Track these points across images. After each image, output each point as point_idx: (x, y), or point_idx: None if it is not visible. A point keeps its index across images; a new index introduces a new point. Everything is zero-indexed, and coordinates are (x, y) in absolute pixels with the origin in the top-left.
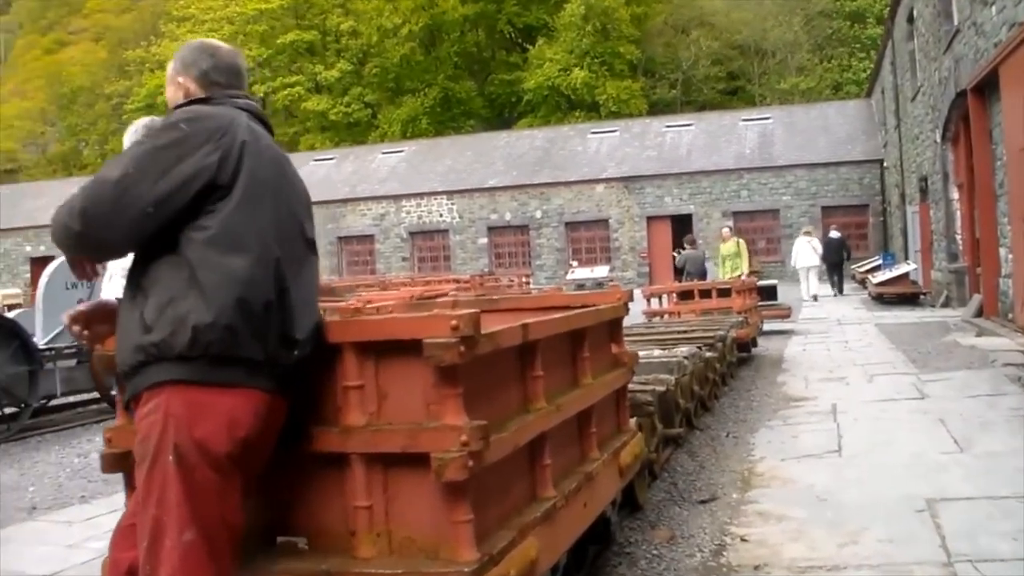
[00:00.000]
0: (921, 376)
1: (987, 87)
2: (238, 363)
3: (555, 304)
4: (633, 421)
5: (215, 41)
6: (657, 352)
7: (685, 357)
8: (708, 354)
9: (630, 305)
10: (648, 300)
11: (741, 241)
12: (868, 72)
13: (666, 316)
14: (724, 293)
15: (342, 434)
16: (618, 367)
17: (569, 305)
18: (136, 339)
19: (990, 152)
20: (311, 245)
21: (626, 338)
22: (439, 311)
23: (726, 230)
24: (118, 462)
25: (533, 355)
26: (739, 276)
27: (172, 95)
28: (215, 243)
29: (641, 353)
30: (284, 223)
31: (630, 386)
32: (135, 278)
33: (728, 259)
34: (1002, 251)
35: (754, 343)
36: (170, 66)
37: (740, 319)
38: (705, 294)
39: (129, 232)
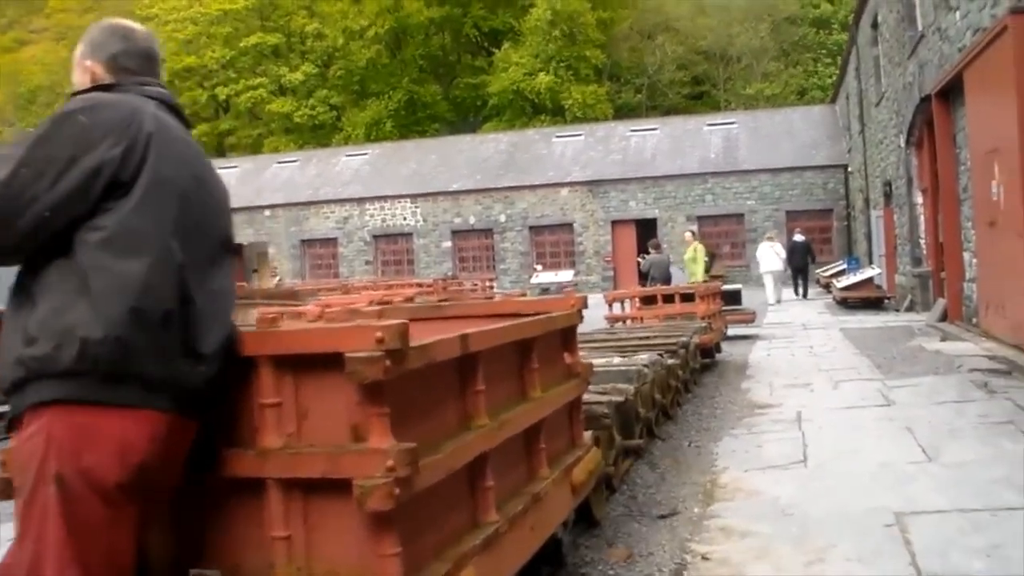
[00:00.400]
0: (887, 382)
1: (951, 92)
2: (132, 380)
3: (506, 311)
4: (589, 435)
5: (129, 22)
6: (617, 359)
7: (645, 365)
8: (670, 361)
9: (590, 311)
10: (610, 305)
11: (699, 246)
12: (833, 78)
13: (629, 322)
14: (688, 298)
15: (258, 457)
16: (571, 378)
17: (520, 312)
18: (18, 352)
19: (954, 157)
20: (227, 249)
21: (586, 345)
22: (363, 322)
23: (688, 234)
24: (11, 489)
25: (474, 368)
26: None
27: (78, 80)
28: (110, 246)
29: (600, 361)
30: (191, 224)
31: (586, 397)
32: (23, 283)
33: (690, 263)
34: (966, 255)
35: (718, 348)
36: (78, 48)
37: (704, 324)
38: (668, 299)
39: (22, 240)
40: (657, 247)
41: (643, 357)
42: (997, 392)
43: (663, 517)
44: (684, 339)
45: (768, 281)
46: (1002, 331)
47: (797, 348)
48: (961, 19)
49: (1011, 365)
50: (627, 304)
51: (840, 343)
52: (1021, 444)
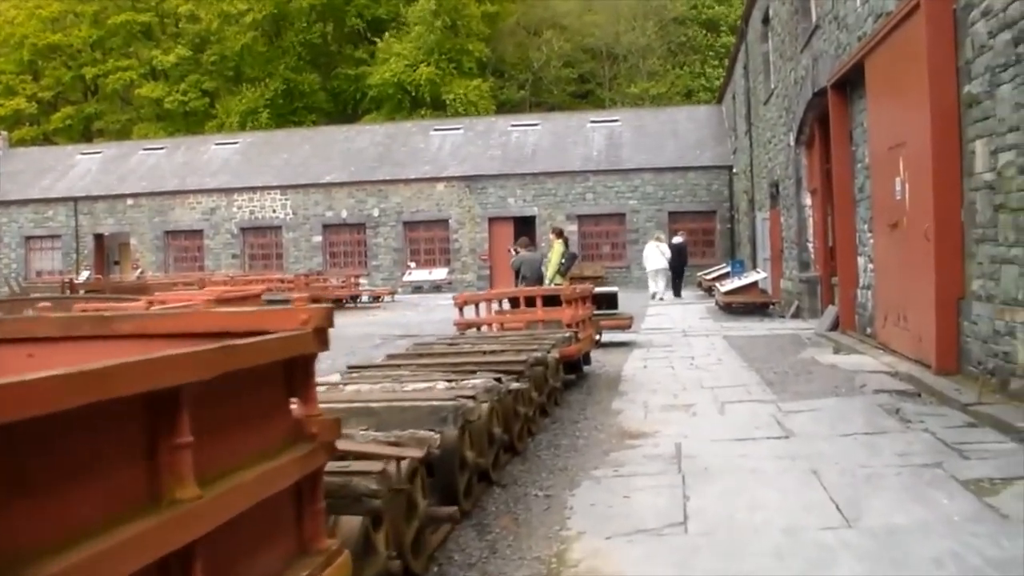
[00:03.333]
0: (781, 405)
1: (849, 84)
2: None
3: (207, 330)
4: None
5: None
6: (441, 386)
7: (472, 396)
8: (515, 385)
9: (439, 312)
10: (460, 309)
11: (557, 242)
12: (721, 80)
13: (484, 328)
14: (552, 302)
15: None
16: (299, 443)
17: (228, 331)
18: None
19: (849, 154)
20: None
21: (410, 363)
22: None
23: (552, 233)
24: None
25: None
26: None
27: None
28: None
29: (417, 387)
30: None
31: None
32: None
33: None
34: (860, 260)
35: (587, 360)
36: None
37: (568, 334)
38: (531, 303)
39: None
40: (526, 245)
41: (477, 382)
42: (912, 421)
43: None
44: (538, 355)
45: (651, 279)
46: (902, 344)
47: (678, 359)
48: (862, 4)
49: (919, 385)
50: (483, 308)
51: (725, 353)
52: (959, 500)
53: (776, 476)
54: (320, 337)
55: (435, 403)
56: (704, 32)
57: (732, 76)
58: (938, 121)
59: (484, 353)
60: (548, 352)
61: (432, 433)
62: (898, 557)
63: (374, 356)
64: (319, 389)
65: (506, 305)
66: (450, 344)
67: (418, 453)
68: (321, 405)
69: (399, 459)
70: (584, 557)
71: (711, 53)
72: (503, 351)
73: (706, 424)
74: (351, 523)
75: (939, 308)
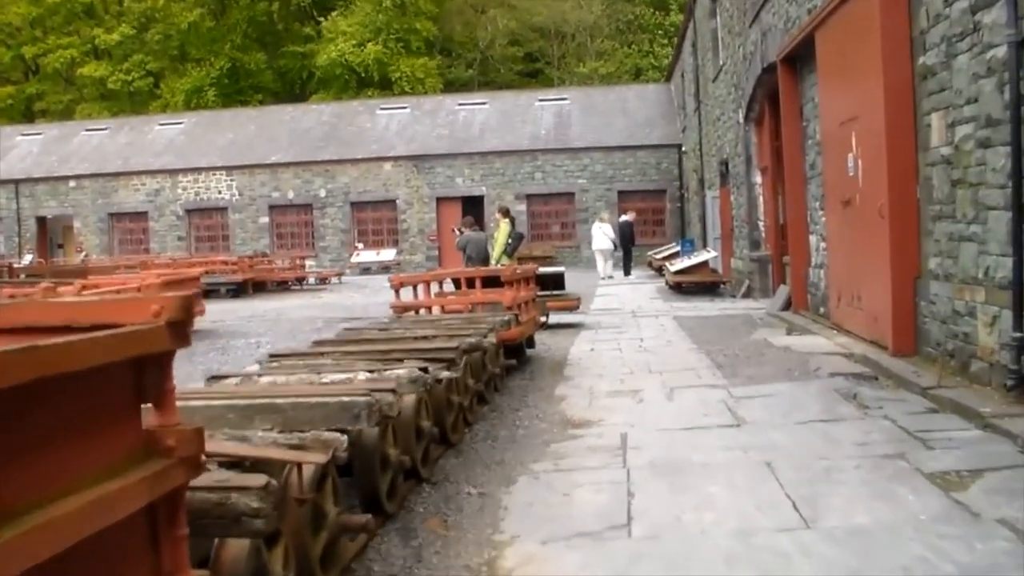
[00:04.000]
0: (732, 390)
1: (799, 58)
2: None
3: (43, 322)
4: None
5: None
6: (362, 377)
7: (391, 389)
8: (445, 374)
9: (376, 295)
10: (397, 292)
11: (504, 222)
12: (669, 60)
13: (423, 311)
14: (493, 283)
15: None
16: (152, 459)
17: (71, 324)
18: None
19: (800, 131)
20: None
21: (335, 349)
22: None
23: (498, 212)
24: None
25: None
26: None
27: None
28: None
29: (336, 378)
30: None
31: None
32: None
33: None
34: (812, 239)
35: (530, 343)
36: None
37: (507, 317)
38: (472, 284)
39: None
40: (471, 225)
41: (402, 372)
42: (870, 407)
43: None
44: (473, 340)
45: (599, 259)
46: (856, 324)
47: (626, 341)
48: None
49: (875, 368)
50: (420, 291)
51: (674, 335)
52: (926, 496)
53: (727, 470)
54: (176, 331)
55: (346, 399)
56: (652, 11)
57: (681, 54)
58: (892, 94)
59: (415, 339)
60: (484, 337)
61: (338, 434)
62: (862, 565)
63: (312, 339)
64: (230, 382)
65: (449, 287)
66: (382, 329)
67: (321, 458)
68: (217, 403)
69: (300, 465)
70: (517, 565)
71: (660, 32)
72: (436, 336)
73: (653, 411)
74: (239, 546)
75: (895, 288)
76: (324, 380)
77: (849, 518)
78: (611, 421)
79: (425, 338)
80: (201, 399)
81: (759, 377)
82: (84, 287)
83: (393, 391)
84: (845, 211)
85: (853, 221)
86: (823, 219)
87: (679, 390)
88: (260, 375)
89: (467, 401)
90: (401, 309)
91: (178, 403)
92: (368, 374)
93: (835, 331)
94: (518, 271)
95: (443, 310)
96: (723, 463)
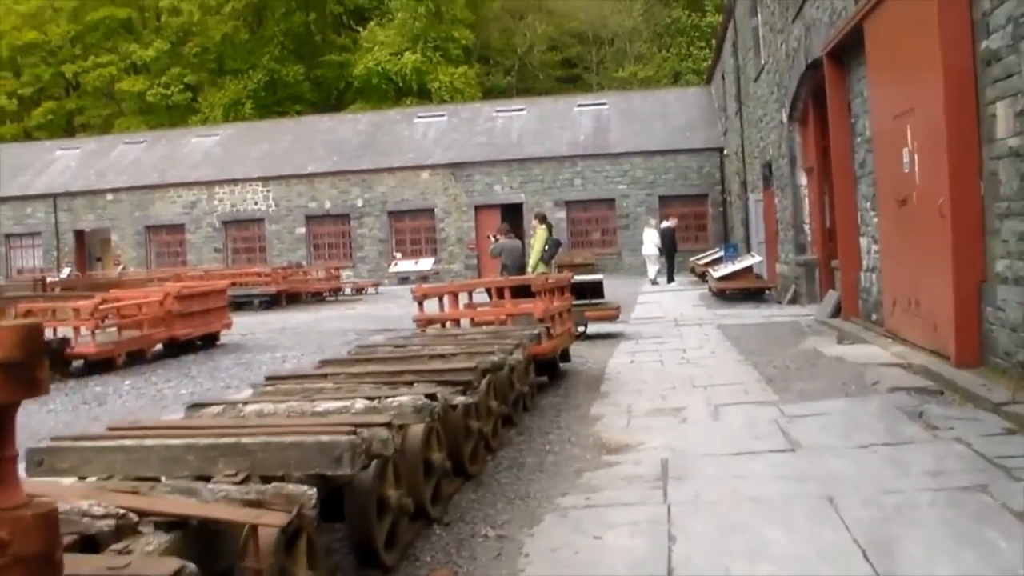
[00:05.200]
0: (784, 407)
1: (846, 52)
2: None
3: None
4: None
5: None
6: (359, 405)
7: (387, 423)
8: (460, 399)
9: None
10: (420, 304)
11: (540, 228)
12: (708, 61)
13: (448, 324)
14: (523, 292)
15: None
16: None
17: None
18: None
19: (848, 128)
20: None
21: (344, 370)
22: None
23: (535, 219)
24: None
25: None
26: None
27: None
28: None
29: (330, 407)
30: None
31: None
32: None
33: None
34: (863, 241)
35: (565, 357)
36: None
37: (539, 329)
38: (503, 294)
39: None
40: (507, 232)
41: (405, 399)
42: (939, 428)
43: None
44: (496, 358)
45: (649, 263)
46: (914, 332)
47: (668, 351)
48: None
49: (939, 381)
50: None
51: (719, 344)
52: (1019, 542)
53: (783, 506)
54: (14, 375)
55: (325, 439)
56: (689, 13)
57: (721, 55)
58: (952, 82)
59: (431, 358)
60: (510, 353)
61: (305, 488)
62: None
63: (341, 353)
64: (212, 411)
65: (483, 296)
66: (397, 346)
67: (280, 519)
68: (177, 442)
69: (255, 528)
70: None
71: (697, 34)
72: (455, 355)
73: (698, 433)
74: None
75: (958, 293)
76: (317, 409)
77: (931, 571)
78: (651, 445)
79: (443, 356)
80: (161, 436)
81: (812, 392)
82: (103, 299)
83: (389, 424)
84: (900, 211)
85: (909, 221)
86: (874, 220)
87: (725, 407)
88: (247, 403)
89: (489, 426)
90: (425, 322)
91: (131, 442)
92: (367, 402)
93: (890, 339)
94: (551, 280)
95: (473, 323)
96: (778, 498)
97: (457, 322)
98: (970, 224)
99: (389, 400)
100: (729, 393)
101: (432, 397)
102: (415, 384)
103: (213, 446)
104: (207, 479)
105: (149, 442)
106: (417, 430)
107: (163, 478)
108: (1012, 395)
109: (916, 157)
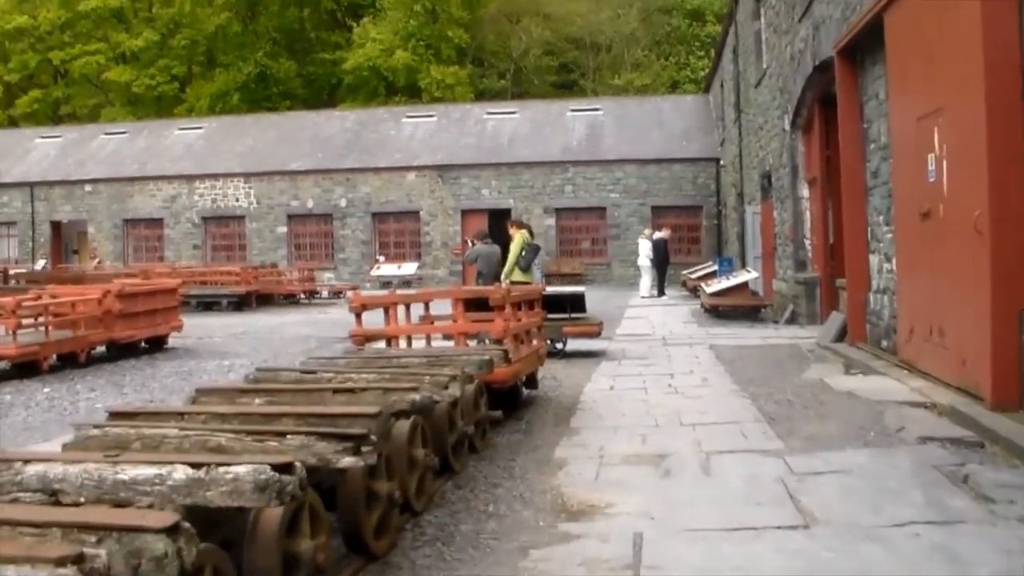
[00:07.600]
0: (790, 459)
1: (860, 49)
2: None
3: None
4: None
5: None
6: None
7: (164, 529)
8: (346, 461)
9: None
10: (358, 317)
11: (518, 233)
12: (707, 71)
13: (395, 343)
14: (479, 306)
15: None
16: None
17: None
18: None
19: (860, 133)
20: None
21: (209, 409)
22: None
23: (512, 225)
24: None
25: None
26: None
27: None
28: None
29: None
30: None
31: None
32: None
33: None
34: (873, 259)
35: (531, 383)
36: None
37: (487, 356)
38: (470, 306)
39: None
40: (484, 237)
41: (241, 469)
42: (995, 500)
43: None
44: (419, 397)
45: (643, 274)
46: (936, 365)
47: (653, 376)
48: None
49: (975, 428)
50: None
51: (711, 369)
52: None
53: None
54: None
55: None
56: (689, 22)
57: (720, 62)
58: (993, 75)
59: (335, 392)
60: (445, 387)
61: None
62: None
63: (294, 361)
64: None
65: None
66: (305, 372)
67: None
68: None
69: None
70: None
71: (696, 44)
72: (366, 389)
73: (683, 494)
74: None
75: (996, 322)
76: (119, 476)
77: None
78: (623, 509)
79: (351, 391)
80: None
81: (823, 438)
82: (37, 295)
83: (174, 528)
84: (922, 225)
85: (934, 237)
86: (888, 236)
87: (719, 456)
88: (29, 460)
89: (406, 487)
90: (362, 339)
91: None
92: (189, 471)
93: (906, 371)
94: (514, 292)
95: (429, 340)
96: None
97: (406, 339)
98: (1011, 242)
99: (218, 471)
100: (723, 435)
101: (286, 468)
102: (287, 436)
103: None
104: None
105: None
106: (276, 513)
107: None
108: None
109: (944, 164)
